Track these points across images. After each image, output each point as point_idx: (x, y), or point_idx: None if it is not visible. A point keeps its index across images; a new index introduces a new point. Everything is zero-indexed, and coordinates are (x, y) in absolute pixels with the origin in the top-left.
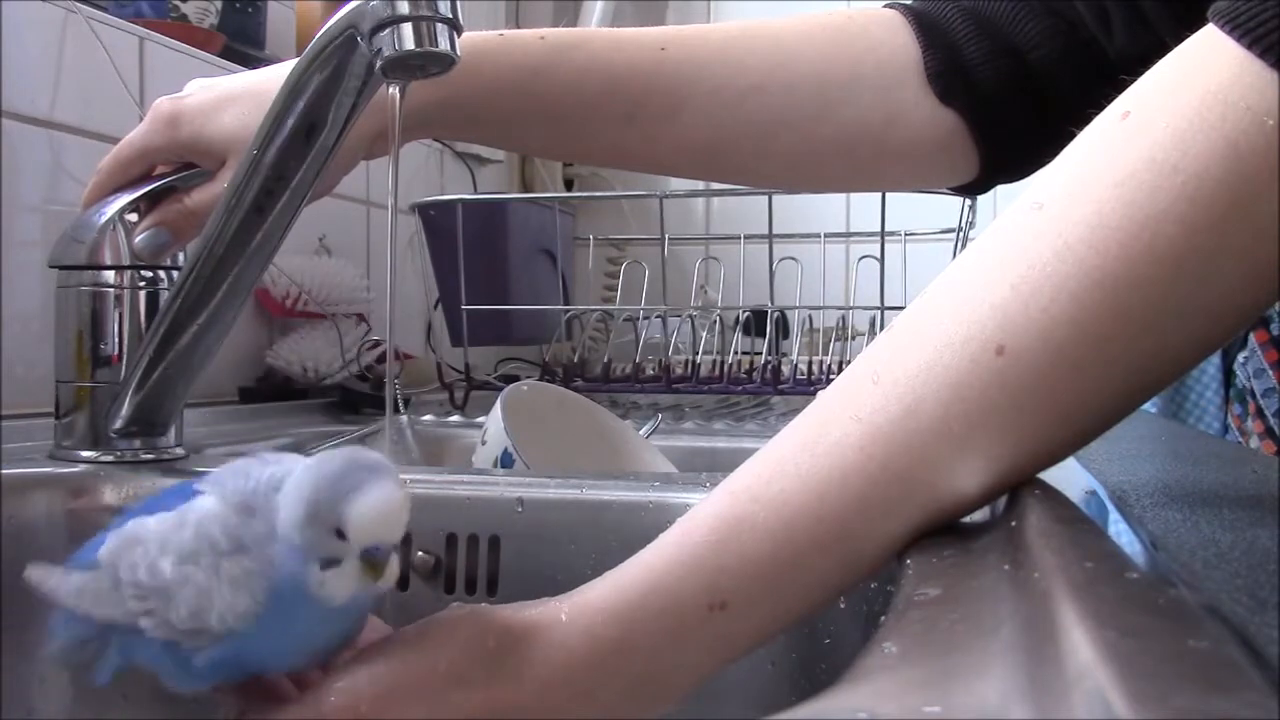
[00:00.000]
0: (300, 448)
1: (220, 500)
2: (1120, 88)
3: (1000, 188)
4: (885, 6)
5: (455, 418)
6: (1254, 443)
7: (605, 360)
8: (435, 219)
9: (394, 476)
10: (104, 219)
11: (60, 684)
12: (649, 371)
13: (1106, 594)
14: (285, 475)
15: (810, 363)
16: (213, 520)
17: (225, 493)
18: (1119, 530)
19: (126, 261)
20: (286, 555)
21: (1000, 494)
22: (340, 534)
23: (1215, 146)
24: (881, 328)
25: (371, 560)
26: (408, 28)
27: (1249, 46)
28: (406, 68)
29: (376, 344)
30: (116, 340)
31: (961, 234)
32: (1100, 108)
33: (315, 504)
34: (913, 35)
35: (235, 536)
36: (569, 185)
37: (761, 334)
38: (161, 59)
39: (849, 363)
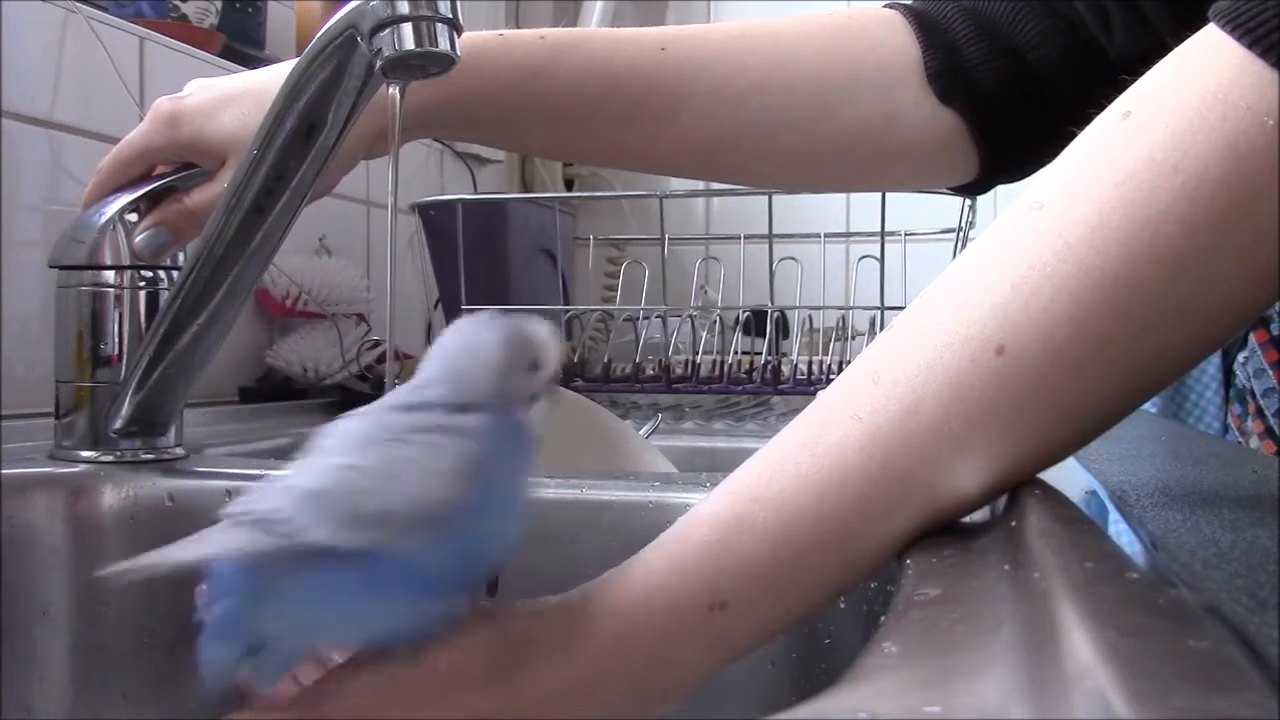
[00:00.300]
0: (300, 448)
1: (372, 414)
2: (1120, 88)
3: (1000, 188)
4: (885, 6)
5: None
6: (1254, 443)
7: (605, 360)
8: (435, 219)
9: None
10: (104, 219)
11: (60, 684)
12: (649, 371)
13: (1106, 594)
14: (419, 377)
15: (810, 363)
16: (390, 418)
17: (372, 410)
18: (1119, 530)
19: (126, 261)
20: (491, 407)
21: (1000, 494)
22: (534, 367)
23: (1215, 146)
24: (881, 328)
25: (553, 391)
26: (408, 28)
27: (1249, 46)
28: (406, 68)
29: (376, 344)
30: (116, 340)
31: (961, 234)
32: (1100, 108)
33: (510, 346)
34: (913, 35)
35: (427, 422)
36: (569, 185)
37: (761, 334)
38: (161, 59)
39: (849, 363)
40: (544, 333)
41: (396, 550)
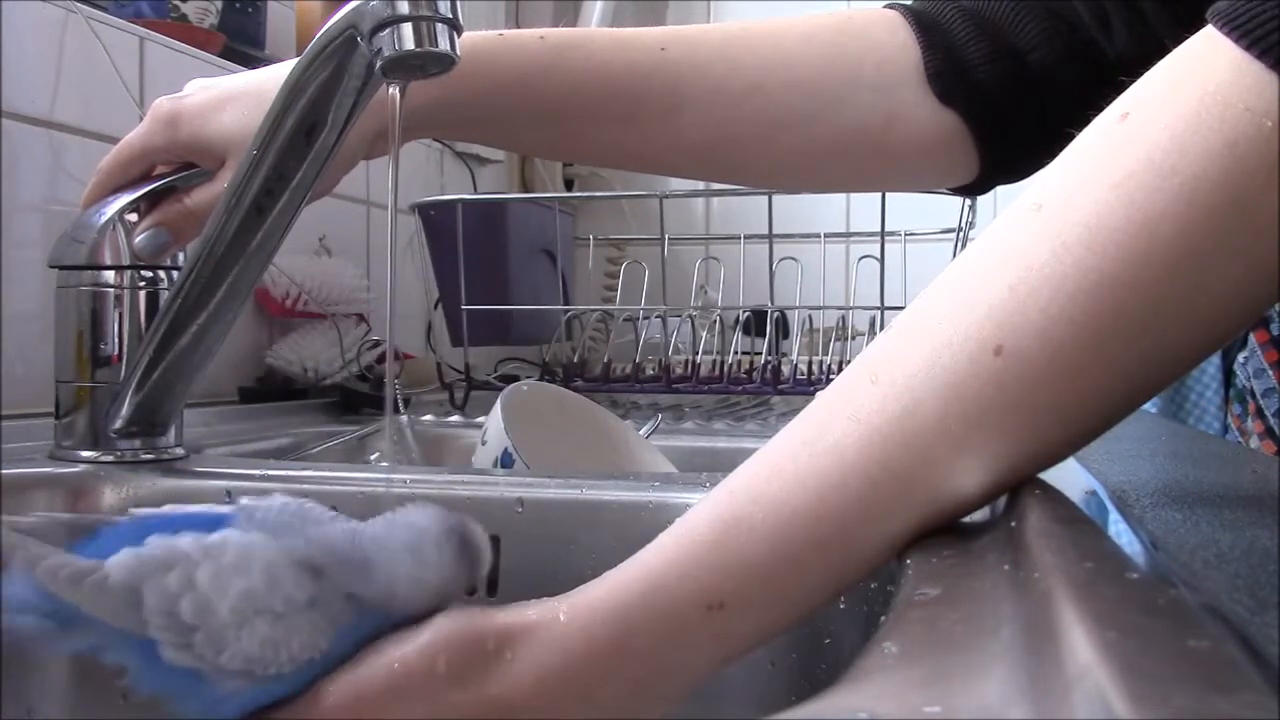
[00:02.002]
0: (300, 448)
1: (274, 543)
2: (1120, 89)
3: (1000, 188)
4: (885, 7)
5: (455, 418)
6: (1254, 443)
7: (605, 360)
8: (435, 219)
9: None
10: (104, 219)
11: (60, 684)
12: (649, 371)
13: (1106, 594)
14: (344, 534)
15: (810, 363)
16: (282, 570)
17: (276, 533)
18: (1119, 530)
19: (126, 261)
20: (368, 616)
21: (1000, 494)
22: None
23: (1214, 147)
24: (881, 328)
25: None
26: (408, 28)
27: (1248, 48)
28: (406, 68)
29: (376, 344)
30: (116, 340)
31: (961, 234)
32: (1100, 108)
33: (430, 571)
34: (913, 36)
35: (310, 592)
36: (569, 185)
37: (761, 334)
38: (161, 59)
39: (849, 363)
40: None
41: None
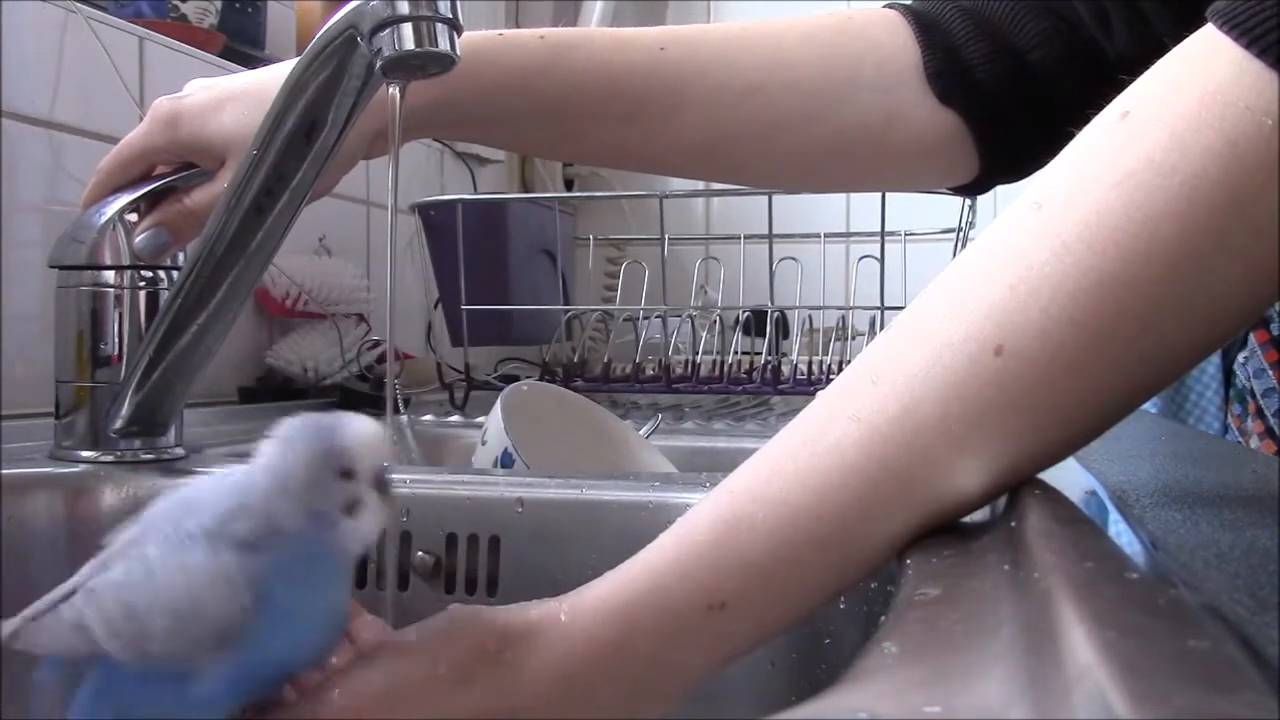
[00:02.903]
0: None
1: (171, 533)
2: (1119, 88)
3: (1000, 188)
4: (885, 7)
5: (455, 418)
6: (1254, 443)
7: (605, 360)
8: (435, 219)
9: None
10: (104, 219)
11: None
12: (649, 371)
13: (1106, 594)
14: (229, 497)
15: (810, 363)
16: (177, 556)
17: (181, 520)
18: (1119, 530)
19: (126, 261)
20: (301, 532)
21: (1000, 494)
22: (347, 474)
23: (1214, 146)
24: (881, 328)
25: (383, 484)
26: (408, 28)
27: (1247, 46)
28: (406, 68)
29: (376, 344)
30: (116, 340)
31: (961, 234)
32: (1100, 108)
33: (314, 455)
34: (912, 36)
35: (208, 564)
36: (569, 185)
37: (761, 334)
38: (161, 59)
39: (849, 363)
40: (360, 433)
41: (188, 667)
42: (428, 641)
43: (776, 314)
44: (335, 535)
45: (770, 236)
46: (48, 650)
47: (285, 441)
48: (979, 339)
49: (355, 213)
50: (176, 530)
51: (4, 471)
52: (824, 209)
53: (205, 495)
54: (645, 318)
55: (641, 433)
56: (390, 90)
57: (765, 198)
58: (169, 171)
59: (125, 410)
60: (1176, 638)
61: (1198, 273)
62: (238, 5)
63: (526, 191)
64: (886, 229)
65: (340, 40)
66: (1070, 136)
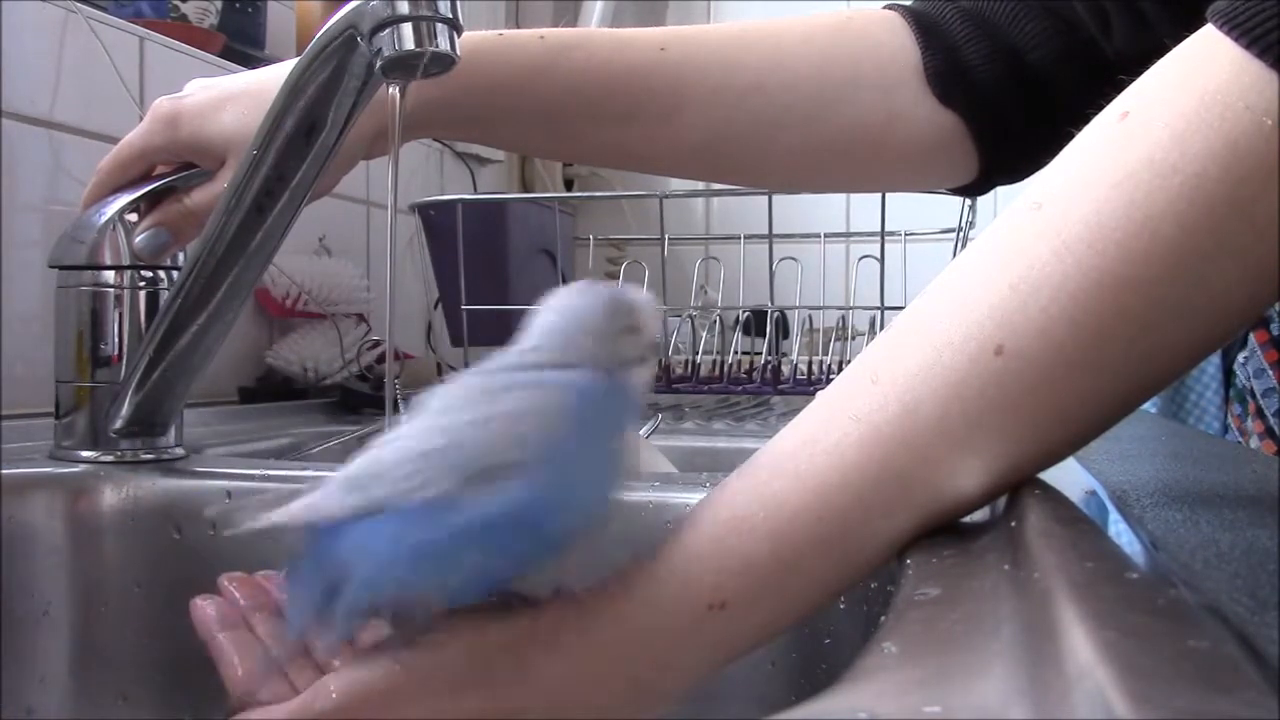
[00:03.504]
0: (300, 448)
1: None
2: (1119, 88)
3: (1000, 188)
4: (885, 7)
5: None
6: (1254, 443)
7: None
8: (435, 219)
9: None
10: (104, 219)
11: (60, 684)
12: None
13: (1106, 594)
14: (523, 342)
15: (810, 363)
16: (482, 379)
17: (473, 372)
18: (1119, 530)
19: (126, 261)
20: (594, 367)
21: (1000, 494)
22: (632, 330)
23: (1214, 146)
24: (881, 328)
25: (654, 349)
26: (408, 28)
27: (1247, 46)
28: (406, 68)
29: (376, 344)
30: (116, 340)
31: (961, 234)
32: (1100, 108)
33: (612, 308)
34: (912, 36)
35: (521, 379)
36: (569, 185)
37: (761, 334)
38: (161, 59)
39: (849, 363)
40: (644, 299)
41: (487, 501)
42: (430, 643)
43: (776, 314)
44: (627, 380)
45: (770, 236)
46: (319, 516)
47: (580, 290)
48: (979, 339)
49: (355, 213)
50: (469, 375)
51: (4, 471)
52: (824, 209)
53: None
54: None
55: (641, 433)
56: (390, 90)
57: (765, 198)
58: (169, 171)
59: (125, 410)
60: (1176, 638)
61: (1198, 272)
62: (238, 5)
63: (526, 191)
64: (886, 229)
65: (340, 40)
66: (1070, 136)
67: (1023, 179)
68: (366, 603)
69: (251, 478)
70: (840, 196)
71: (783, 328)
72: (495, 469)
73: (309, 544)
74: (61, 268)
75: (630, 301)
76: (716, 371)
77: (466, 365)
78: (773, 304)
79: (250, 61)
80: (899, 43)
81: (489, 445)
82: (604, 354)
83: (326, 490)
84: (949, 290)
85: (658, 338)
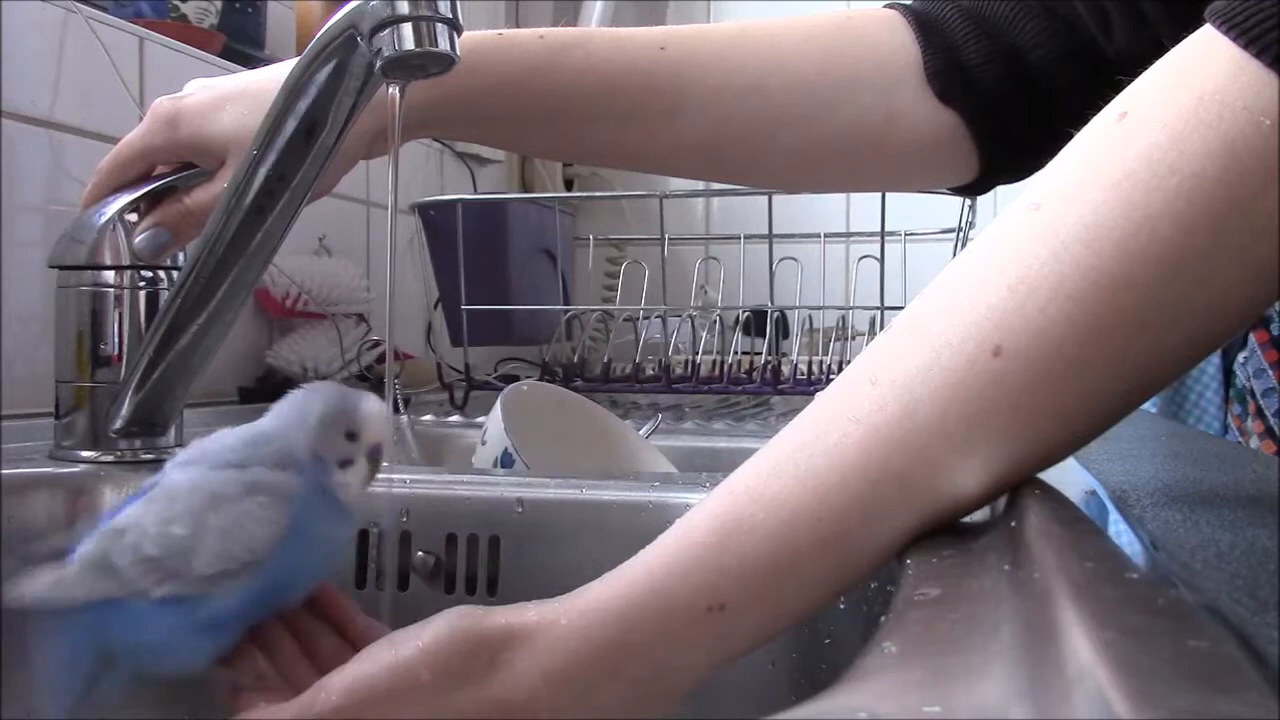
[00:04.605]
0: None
1: (202, 466)
2: (1119, 88)
3: (1000, 188)
4: (885, 7)
5: (455, 418)
6: (1254, 443)
7: (605, 360)
8: (435, 219)
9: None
10: (104, 219)
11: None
12: (649, 371)
13: (1106, 594)
14: (249, 432)
15: (810, 363)
16: (211, 477)
17: (205, 459)
18: (1119, 530)
19: (126, 261)
20: (304, 468)
21: (1000, 494)
22: (351, 436)
23: (1212, 147)
24: (881, 328)
25: (374, 458)
26: (408, 28)
27: (1245, 47)
28: (406, 68)
29: (376, 344)
30: (116, 340)
31: (961, 234)
32: (1099, 108)
33: (328, 413)
34: (912, 35)
35: (245, 481)
36: (569, 185)
37: (761, 334)
38: (161, 59)
39: (849, 363)
40: (370, 406)
41: (206, 595)
42: (427, 642)
43: (776, 314)
44: (330, 479)
45: (770, 236)
46: (58, 600)
47: (309, 392)
48: (978, 339)
49: (355, 213)
50: (202, 460)
51: (4, 471)
52: (824, 209)
53: (217, 441)
54: (645, 318)
55: (641, 433)
56: (390, 90)
57: (765, 198)
58: (169, 171)
59: (125, 410)
60: (1176, 638)
61: (1196, 272)
62: (238, 5)
63: (526, 191)
64: (886, 229)
65: (340, 40)
66: (1070, 136)
67: (1023, 178)
68: (119, 682)
69: None
70: (840, 196)
71: (783, 328)
72: (220, 573)
73: (51, 620)
74: (61, 268)
75: (349, 408)
76: (716, 371)
77: (466, 365)
78: (773, 304)
79: (250, 61)
80: (899, 42)
81: (218, 551)
82: (315, 457)
83: (66, 574)
84: (947, 291)
85: (383, 440)
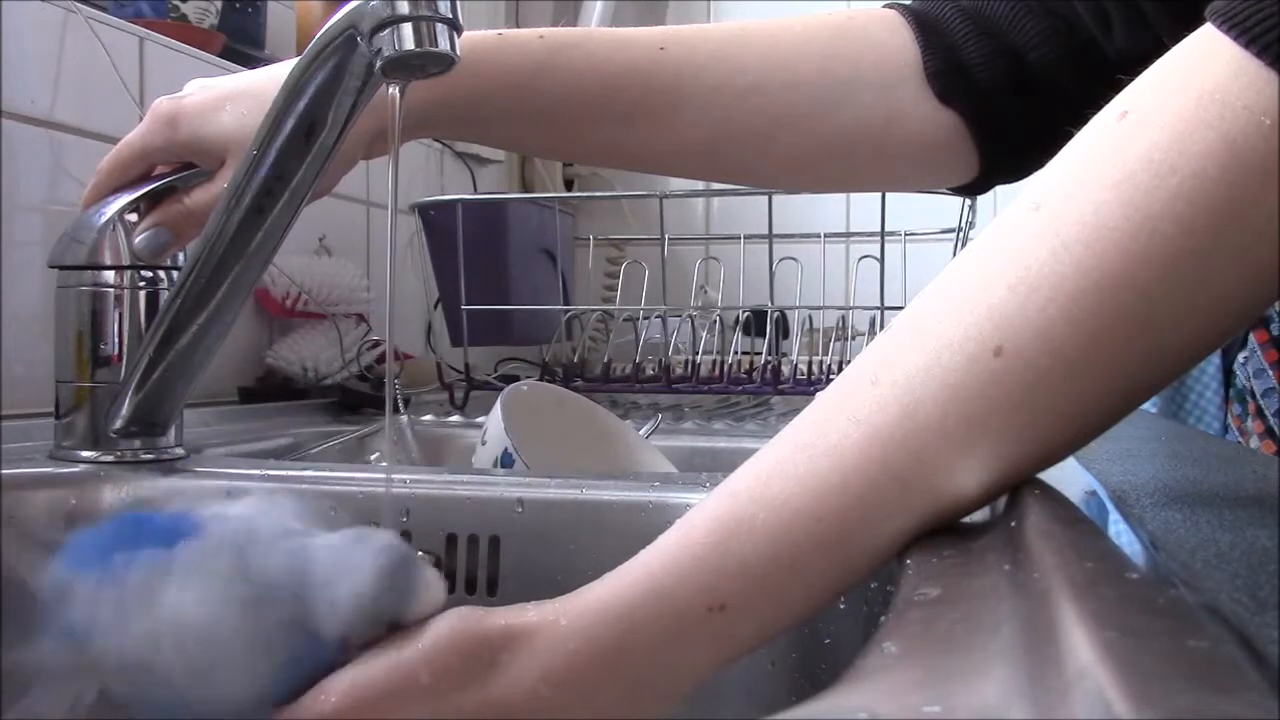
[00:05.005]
0: (300, 448)
1: (210, 577)
2: (1119, 88)
3: (1000, 188)
4: (884, 7)
5: (455, 418)
6: (1254, 443)
7: (605, 360)
8: (435, 219)
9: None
10: (104, 219)
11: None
12: (649, 371)
13: (1106, 594)
14: (296, 555)
15: (810, 363)
16: (217, 607)
17: (218, 556)
18: (1119, 530)
19: (126, 261)
20: (320, 636)
21: (1000, 494)
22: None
23: (1213, 146)
24: (881, 328)
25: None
26: (408, 28)
27: (1246, 46)
28: (406, 68)
29: (376, 344)
30: (116, 340)
31: (961, 234)
32: (1099, 108)
33: (378, 602)
34: (912, 35)
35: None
36: (569, 185)
37: (761, 334)
38: (161, 59)
39: (849, 363)
40: (436, 600)
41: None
42: (427, 643)
43: (776, 314)
44: (330, 653)
45: (770, 236)
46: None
47: (369, 569)
48: (978, 339)
49: (355, 213)
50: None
51: (4, 471)
52: (824, 209)
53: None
54: (645, 318)
55: (641, 433)
56: (390, 90)
57: (765, 198)
58: (169, 171)
59: (125, 410)
60: (1176, 638)
61: (1196, 272)
62: (238, 5)
63: (526, 191)
64: (886, 229)
65: (340, 40)
66: (1070, 136)
67: (1023, 178)
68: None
69: (251, 478)
70: (840, 196)
71: (783, 328)
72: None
73: None
74: (61, 268)
75: (400, 610)
76: (716, 371)
77: (466, 365)
78: (773, 304)
79: (250, 61)
80: (899, 42)
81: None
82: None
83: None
84: (947, 291)
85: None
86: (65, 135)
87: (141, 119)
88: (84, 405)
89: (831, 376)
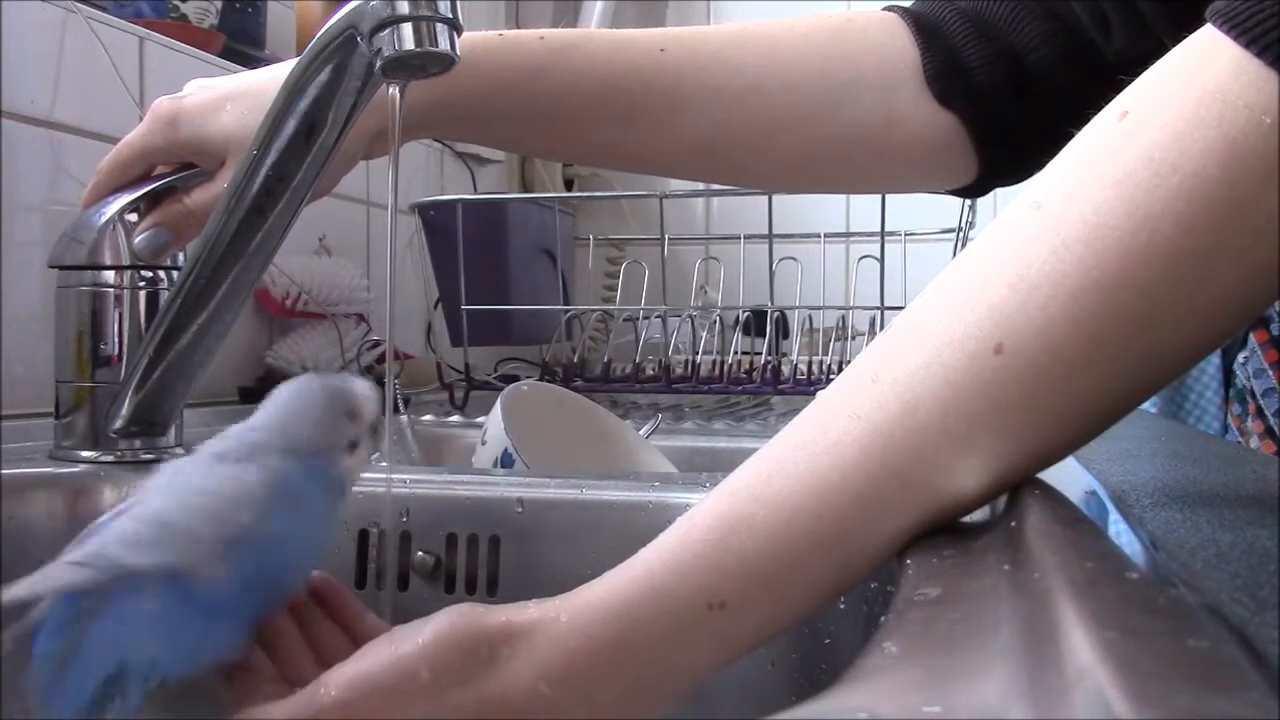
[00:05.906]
0: None
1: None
2: (1118, 89)
3: (1001, 188)
4: (884, 9)
5: (455, 418)
6: (1254, 443)
7: (605, 360)
8: (435, 219)
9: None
10: (104, 219)
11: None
12: (649, 371)
13: (1106, 594)
14: (243, 426)
15: (810, 363)
16: (193, 465)
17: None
18: (1119, 530)
19: (126, 261)
20: (304, 454)
21: (1000, 493)
22: (353, 414)
23: (1213, 145)
24: (881, 328)
25: (375, 431)
26: (408, 28)
27: (1246, 46)
28: (406, 68)
29: (376, 344)
30: (116, 340)
31: (961, 234)
32: (1099, 109)
33: (330, 398)
34: (911, 37)
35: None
36: (569, 185)
37: (761, 334)
38: (161, 59)
39: (849, 363)
40: (364, 388)
41: (201, 572)
42: (427, 639)
43: (776, 314)
44: (337, 465)
45: (770, 236)
46: (55, 587)
47: (302, 382)
48: (978, 338)
49: (355, 213)
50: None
51: (4, 471)
52: (824, 209)
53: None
54: (645, 318)
55: (641, 433)
56: (390, 90)
57: (765, 198)
58: (169, 171)
59: (125, 410)
60: (1176, 638)
61: (1197, 271)
62: (238, 5)
63: (526, 191)
64: (886, 229)
65: (340, 40)
66: (1070, 137)
67: (1022, 180)
68: (132, 708)
69: None
70: (840, 196)
71: (783, 328)
72: (217, 541)
73: (54, 617)
74: (61, 268)
75: (348, 390)
76: (716, 371)
77: (466, 365)
78: (773, 304)
79: (250, 61)
80: (898, 44)
81: (201, 521)
82: (320, 438)
83: (50, 568)
84: (948, 290)
85: (375, 420)
86: (65, 135)
87: (141, 119)
88: (84, 405)
89: (831, 376)
